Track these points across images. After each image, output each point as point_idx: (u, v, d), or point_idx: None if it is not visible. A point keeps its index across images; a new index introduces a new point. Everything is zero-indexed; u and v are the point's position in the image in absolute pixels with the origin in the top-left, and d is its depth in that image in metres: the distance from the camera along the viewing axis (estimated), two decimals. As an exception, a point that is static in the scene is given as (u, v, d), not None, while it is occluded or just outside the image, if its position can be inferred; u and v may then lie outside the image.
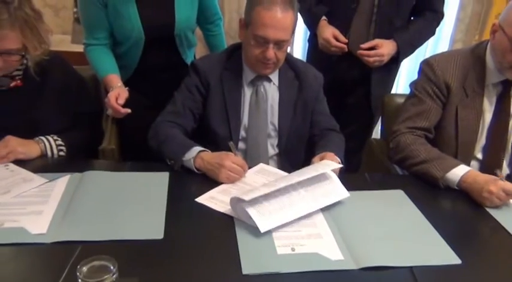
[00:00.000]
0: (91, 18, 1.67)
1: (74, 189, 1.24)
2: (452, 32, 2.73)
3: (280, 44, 1.43)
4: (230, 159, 1.32)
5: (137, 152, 1.57)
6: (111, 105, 1.51)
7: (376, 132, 2.47)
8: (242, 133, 1.57)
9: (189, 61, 1.87)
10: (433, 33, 2.02)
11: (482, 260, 1.09)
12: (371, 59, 1.86)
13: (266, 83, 1.56)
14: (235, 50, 1.58)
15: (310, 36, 2.11)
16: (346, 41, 1.87)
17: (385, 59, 1.88)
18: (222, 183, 1.32)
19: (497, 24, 1.41)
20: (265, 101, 1.56)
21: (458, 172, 1.36)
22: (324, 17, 1.92)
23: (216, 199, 1.24)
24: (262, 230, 1.08)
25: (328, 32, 1.87)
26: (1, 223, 1.08)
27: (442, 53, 1.63)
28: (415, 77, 1.62)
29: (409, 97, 1.60)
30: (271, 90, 1.57)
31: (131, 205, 1.19)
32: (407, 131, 1.51)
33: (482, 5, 2.65)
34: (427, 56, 2.73)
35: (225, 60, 1.56)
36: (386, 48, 1.86)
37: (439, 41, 2.85)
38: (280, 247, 1.06)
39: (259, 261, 1.01)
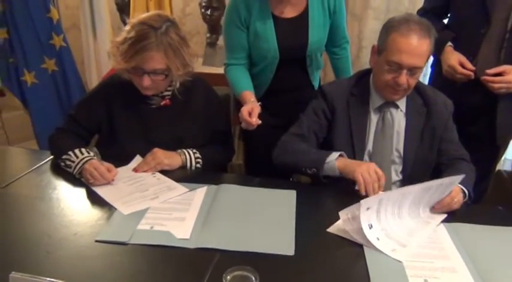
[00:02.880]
0: (233, 40, 1.81)
1: (211, 200, 1.35)
2: None
3: (413, 71, 1.42)
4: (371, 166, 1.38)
5: (261, 168, 1.64)
6: (244, 118, 1.58)
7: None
8: (366, 158, 1.57)
9: (315, 83, 1.93)
10: None
11: None
12: (496, 85, 1.73)
13: (393, 110, 1.55)
14: (363, 76, 1.61)
15: (433, 61, 2.06)
16: (474, 68, 1.78)
17: None
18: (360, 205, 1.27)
19: None
20: (391, 127, 1.55)
21: None
22: (449, 43, 1.86)
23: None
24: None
25: (454, 58, 1.81)
26: (151, 226, 1.22)
27: None
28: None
29: None
30: (398, 117, 1.56)
31: (263, 219, 1.26)
32: None
33: None
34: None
35: (352, 86, 1.59)
36: None
37: None
38: (412, 277, 1.05)
39: (390, 288, 1.01)
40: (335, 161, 1.43)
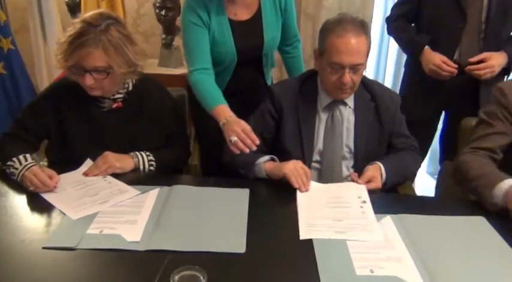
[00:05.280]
0: (197, 42, 1.72)
1: (163, 202, 1.34)
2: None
3: (355, 68, 1.47)
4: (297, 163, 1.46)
5: (217, 168, 1.65)
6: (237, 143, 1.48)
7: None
8: (316, 157, 1.61)
9: (268, 81, 1.96)
10: None
11: None
12: (481, 72, 1.87)
13: (342, 107, 1.59)
14: (311, 76, 1.64)
15: (407, 62, 2.20)
16: (456, 66, 1.90)
17: (496, 69, 1.88)
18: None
19: None
20: (340, 124, 1.59)
21: (504, 185, 1.29)
22: (427, 47, 1.97)
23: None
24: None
25: (438, 58, 1.92)
26: (101, 230, 1.20)
27: None
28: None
29: (479, 123, 1.57)
30: (347, 113, 1.60)
31: (215, 219, 1.27)
32: (470, 151, 1.48)
33: None
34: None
35: (300, 86, 1.62)
36: (495, 59, 1.87)
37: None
38: (358, 268, 1.08)
39: (338, 280, 1.04)
40: (263, 163, 1.49)
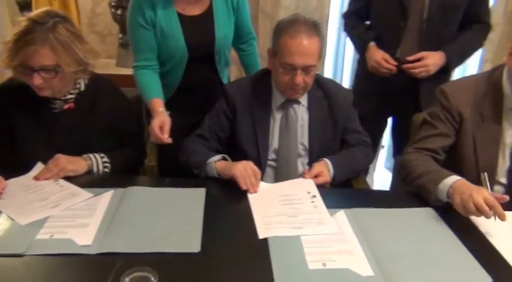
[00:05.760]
0: (140, 41, 1.77)
1: (117, 204, 1.32)
2: (482, 52, 2.72)
3: (307, 70, 1.48)
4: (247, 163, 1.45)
5: (175, 168, 1.64)
6: (155, 135, 1.57)
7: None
8: (272, 156, 1.63)
9: (224, 80, 1.96)
10: (481, 45, 2.07)
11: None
12: (416, 71, 1.93)
13: (296, 105, 1.61)
14: (265, 75, 1.65)
15: (359, 59, 2.25)
16: (396, 63, 1.95)
17: (431, 68, 1.93)
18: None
19: None
20: (295, 123, 1.61)
21: (448, 181, 1.34)
22: (372, 43, 2.02)
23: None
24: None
25: (379, 55, 1.97)
26: (51, 234, 1.17)
27: (458, 80, 1.66)
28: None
29: (423, 123, 1.62)
30: (301, 111, 1.62)
31: (170, 219, 1.26)
32: (414, 151, 1.53)
33: (512, 25, 2.66)
34: (457, 74, 2.77)
35: (254, 85, 1.63)
36: (431, 58, 1.92)
37: (468, 61, 2.84)
38: (311, 262, 1.10)
39: (291, 275, 1.05)
40: (214, 163, 1.50)
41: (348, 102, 1.68)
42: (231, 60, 2.00)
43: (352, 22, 2.13)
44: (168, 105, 1.72)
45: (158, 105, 1.68)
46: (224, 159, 1.53)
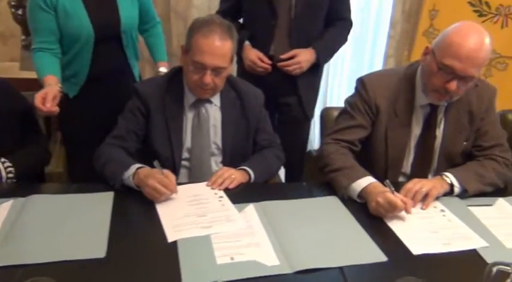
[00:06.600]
0: (40, 23, 1.74)
1: (16, 215, 1.25)
2: (385, 48, 2.92)
3: (217, 71, 1.49)
4: (155, 179, 1.34)
5: (86, 173, 1.56)
6: (36, 105, 1.52)
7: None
8: (185, 154, 1.62)
9: (135, 71, 1.97)
10: (346, 40, 2.21)
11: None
12: (290, 68, 2.02)
13: (208, 105, 1.62)
14: (177, 73, 1.64)
15: (237, 59, 2.24)
16: (270, 62, 2.02)
17: (304, 65, 2.03)
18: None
19: (430, 48, 1.48)
20: (207, 122, 1.61)
21: (363, 183, 1.40)
22: (247, 42, 2.07)
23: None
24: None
25: (254, 54, 2.03)
26: None
27: (378, 72, 1.73)
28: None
29: (342, 112, 1.67)
30: (213, 111, 1.63)
31: (74, 226, 1.21)
32: (333, 142, 1.59)
33: (410, 23, 2.86)
34: (366, 69, 2.94)
35: (166, 83, 1.61)
36: (303, 55, 2.03)
37: (375, 56, 3.03)
38: (219, 257, 1.12)
39: (199, 272, 1.06)
40: (131, 177, 1.39)
41: (259, 102, 1.71)
42: (141, 54, 1.98)
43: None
44: (81, 97, 1.66)
45: (51, 80, 1.64)
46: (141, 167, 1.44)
